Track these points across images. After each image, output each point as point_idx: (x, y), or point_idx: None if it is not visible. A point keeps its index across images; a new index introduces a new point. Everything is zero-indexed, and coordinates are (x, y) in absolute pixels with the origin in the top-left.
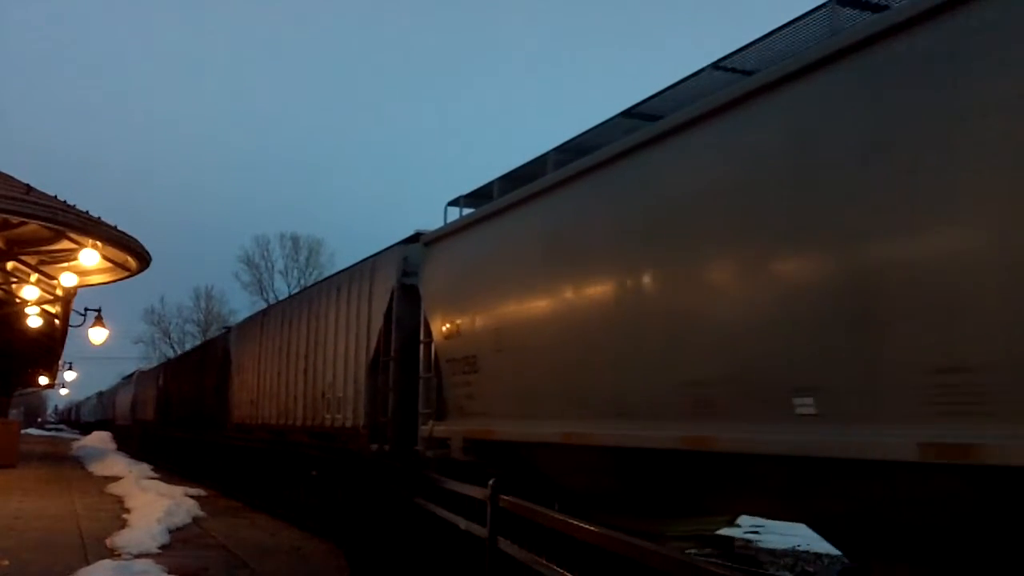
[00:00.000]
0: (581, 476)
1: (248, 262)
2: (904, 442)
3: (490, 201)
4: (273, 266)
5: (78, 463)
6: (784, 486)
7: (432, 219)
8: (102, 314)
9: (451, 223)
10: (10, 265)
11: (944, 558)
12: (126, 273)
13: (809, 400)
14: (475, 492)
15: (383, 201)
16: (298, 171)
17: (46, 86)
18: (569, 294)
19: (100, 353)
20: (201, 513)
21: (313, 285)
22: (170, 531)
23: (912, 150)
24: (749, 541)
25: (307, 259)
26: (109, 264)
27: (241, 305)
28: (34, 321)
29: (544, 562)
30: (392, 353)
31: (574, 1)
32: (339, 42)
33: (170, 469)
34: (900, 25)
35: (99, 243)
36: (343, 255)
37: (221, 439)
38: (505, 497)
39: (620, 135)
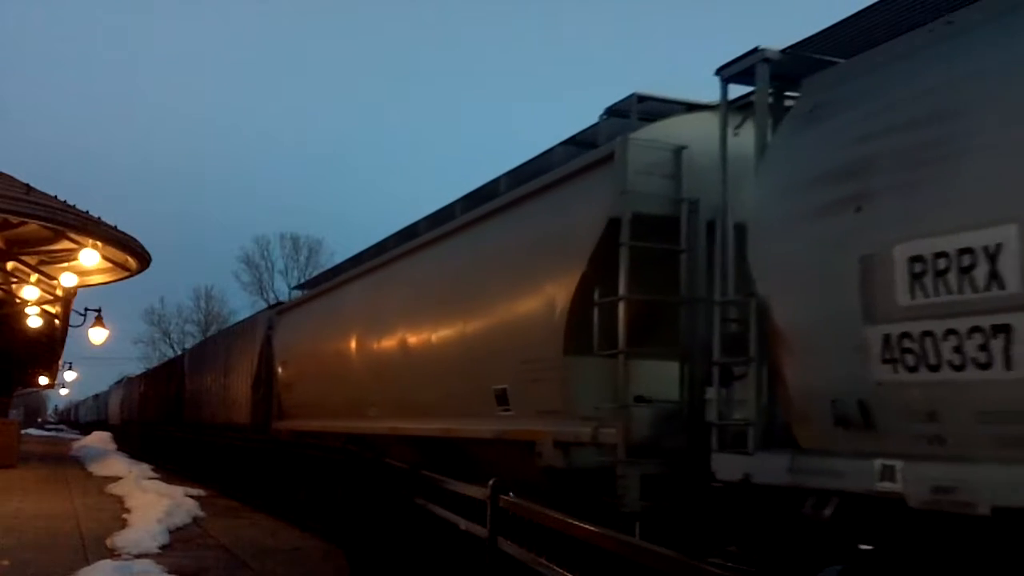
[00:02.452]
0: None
1: (248, 262)
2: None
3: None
4: (273, 266)
5: (78, 463)
6: None
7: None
8: (102, 314)
9: (289, 301)
10: (10, 265)
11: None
12: (126, 273)
13: (376, 410)
14: (475, 492)
15: (384, 201)
16: (298, 171)
17: (46, 85)
18: (323, 354)
19: (100, 353)
20: (201, 513)
21: (233, 325)
22: (170, 531)
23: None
24: None
25: (307, 259)
26: (109, 264)
27: (241, 305)
28: (34, 321)
29: (544, 562)
30: (262, 378)
31: (583, 4)
32: (339, 41)
33: (168, 469)
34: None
35: (99, 243)
36: (343, 255)
37: (178, 433)
38: (505, 497)
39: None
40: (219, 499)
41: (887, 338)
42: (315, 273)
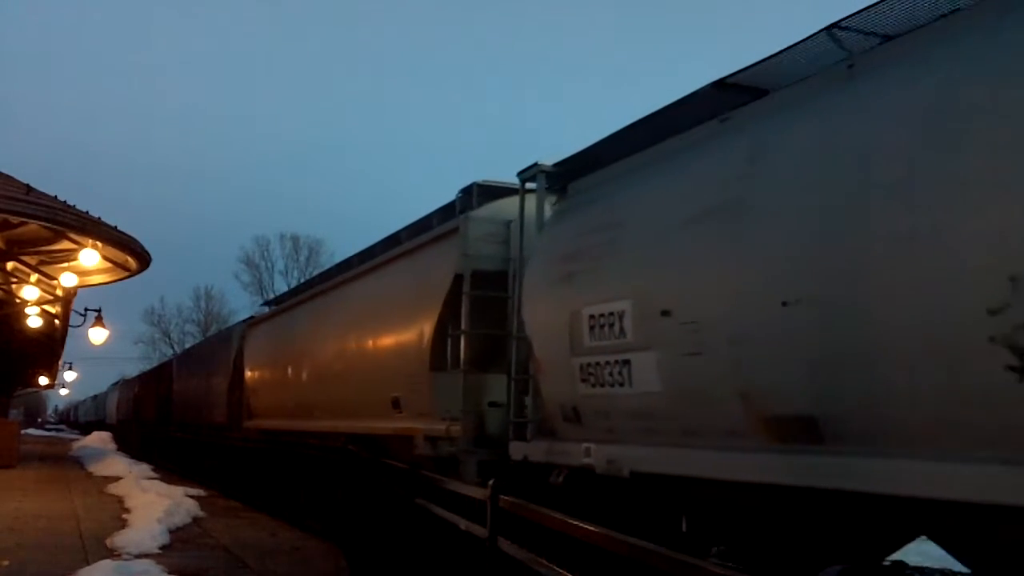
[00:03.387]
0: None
1: (248, 262)
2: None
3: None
4: (273, 266)
5: (78, 463)
6: None
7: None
8: (102, 314)
9: (258, 315)
10: (10, 265)
11: None
12: (126, 273)
13: (318, 412)
14: (475, 492)
15: (384, 201)
16: (298, 171)
17: (46, 85)
18: (280, 365)
19: (100, 353)
20: (201, 513)
21: (213, 335)
22: (170, 531)
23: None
24: None
25: (307, 259)
26: (109, 264)
27: (241, 305)
28: (34, 321)
29: (544, 562)
30: (236, 382)
31: (588, 5)
32: (340, 40)
33: (160, 464)
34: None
35: (99, 243)
36: (343, 255)
37: (170, 432)
38: (505, 497)
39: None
40: (219, 499)
41: (582, 366)
42: (315, 273)
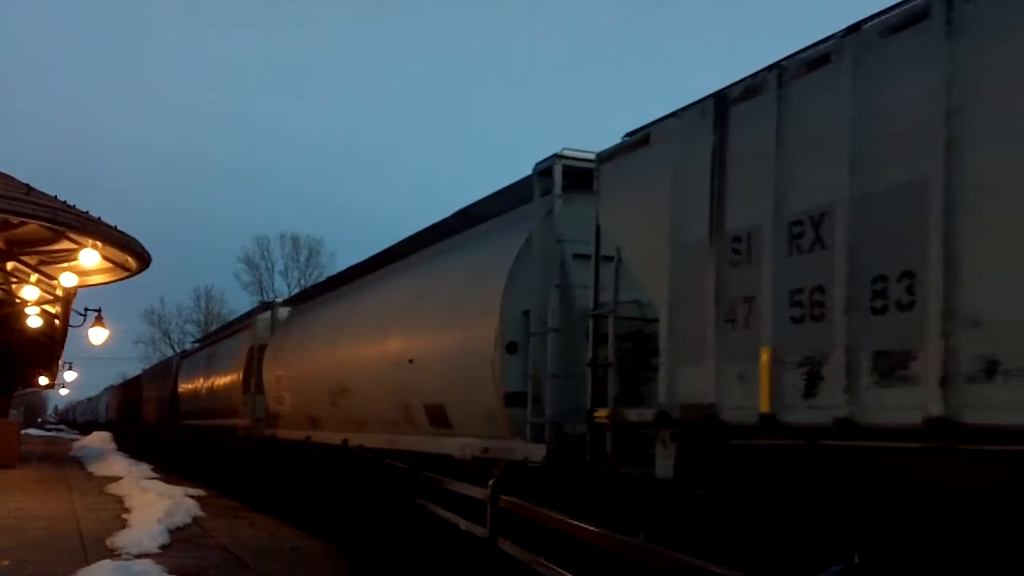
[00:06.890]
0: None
1: (248, 262)
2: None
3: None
4: (273, 266)
5: (78, 463)
6: None
7: (430, 218)
8: (102, 314)
9: (188, 349)
10: (10, 265)
11: None
12: (126, 273)
13: (208, 414)
14: (475, 492)
15: (384, 201)
16: (299, 171)
17: (46, 85)
18: (191, 384)
19: (100, 353)
20: (201, 513)
21: (161, 361)
22: (170, 531)
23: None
24: None
25: (307, 259)
26: (109, 264)
27: (241, 305)
28: (34, 321)
29: (544, 562)
30: (175, 392)
31: (592, 15)
32: (339, 42)
33: (169, 469)
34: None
35: (99, 243)
36: (344, 255)
37: (146, 430)
38: (505, 497)
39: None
40: (219, 499)
41: (276, 395)
42: (314, 273)
